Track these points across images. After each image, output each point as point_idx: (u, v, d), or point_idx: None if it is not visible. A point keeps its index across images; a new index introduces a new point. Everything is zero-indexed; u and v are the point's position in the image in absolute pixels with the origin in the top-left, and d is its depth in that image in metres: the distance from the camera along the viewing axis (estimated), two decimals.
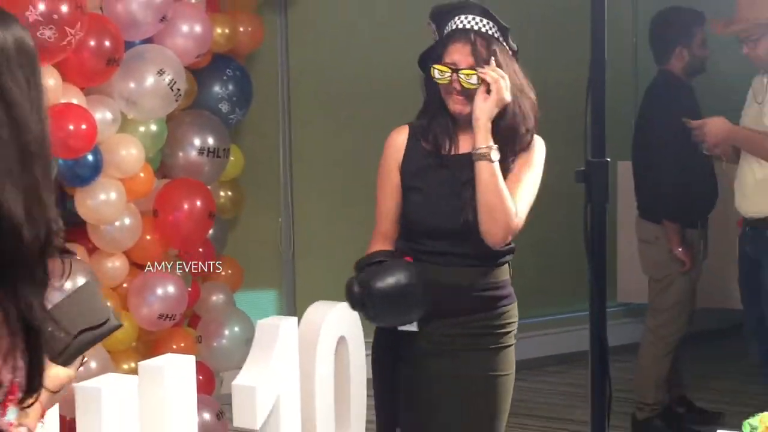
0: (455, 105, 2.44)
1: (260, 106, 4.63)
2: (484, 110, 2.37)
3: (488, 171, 2.36)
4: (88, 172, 3.57)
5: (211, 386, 4.17)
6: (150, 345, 4.04)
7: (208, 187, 4.09)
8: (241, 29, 4.39)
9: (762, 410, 2.69)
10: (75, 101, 3.47)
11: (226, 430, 4.00)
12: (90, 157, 3.53)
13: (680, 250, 4.19)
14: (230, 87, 4.26)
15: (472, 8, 2.45)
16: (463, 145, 2.49)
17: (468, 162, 2.42)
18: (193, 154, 4.04)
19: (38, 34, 3.17)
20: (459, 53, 2.40)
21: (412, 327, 2.46)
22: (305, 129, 4.90)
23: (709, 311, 5.12)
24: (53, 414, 2.62)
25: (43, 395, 1.40)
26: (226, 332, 4.14)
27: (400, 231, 2.54)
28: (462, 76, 2.39)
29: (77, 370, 1.55)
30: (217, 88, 4.23)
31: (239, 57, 4.46)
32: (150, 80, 3.66)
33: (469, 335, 2.51)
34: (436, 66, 2.41)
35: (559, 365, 5.61)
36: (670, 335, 4.38)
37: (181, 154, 4.04)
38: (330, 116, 5.00)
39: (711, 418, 4.51)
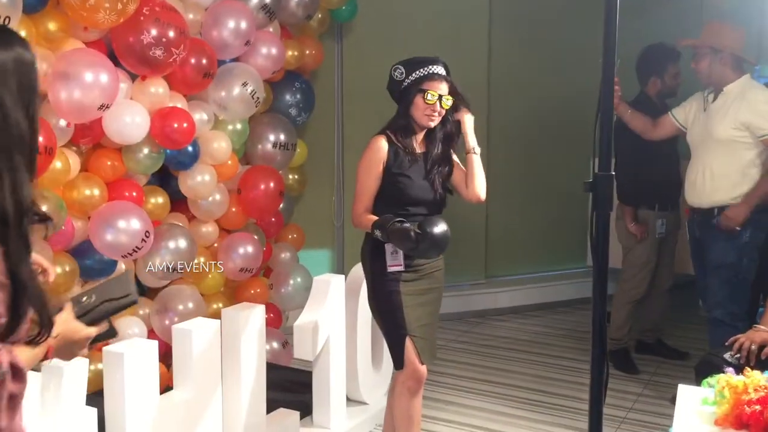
0: (431, 120, 2.71)
1: (320, 111, 4.55)
2: (471, 123, 2.81)
3: (479, 160, 2.81)
4: (189, 160, 3.50)
5: (279, 322, 4.12)
6: (234, 290, 3.99)
7: (280, 172, 4.02)
8: (307, 52, 4.27)
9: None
10: (179, 105, 3.40)
11: (290, 356, 3.90)
12: (190, 148, 3.47)
13: (632, 225, 4.16)
14: (298, 96, 4.19)
15: (439, 61, 2.74)
16: (420, 147, 2.78)
17: (429, 158, 2.76)
18: (269, 147, 3.97)
19: (150, 53, 3.09)
20: (438, 87, 2.69)
21: (401, 267, 2.70)
22: (354, 128, 4.80)
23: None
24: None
25: (58, 340, 1.36)
26: (291, 282, 4.06)
27: (388, 204, 2.70)
28: (444, 100, 2.69)
29: (98, 332, 1.46)
30: (287, 97, 4.16)
31: (305, 73, 4.36)
32: (237, 90, 3.56)
33: (432, 264, 2.81)
34: (429, 91, 2.66)
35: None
36: (630, 289, 4.26)
37: (259, 146, 3.96)
38: (373, 118, 4.78)
39: (678, 355, 4.41)
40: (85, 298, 1.47)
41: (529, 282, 5.60)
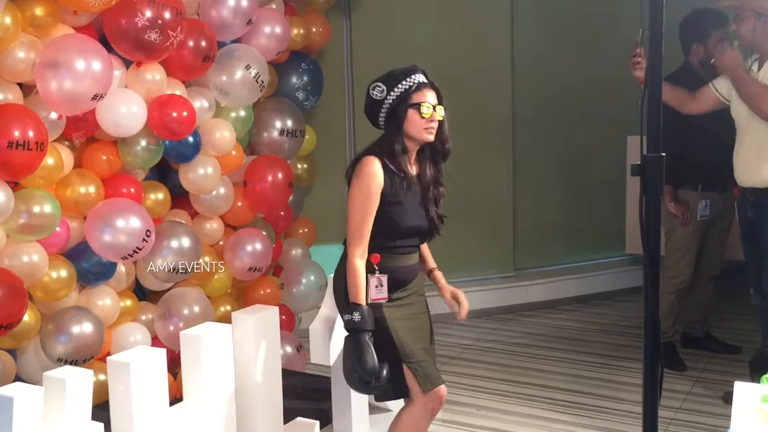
0: (428, 135, 2.63)
1: (330, 94, 4.56)
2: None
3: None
4: (190, 151, 3.51)
5: (292, 324, 4.13)
6: (242, 291, 4.01)
7: (288, 161, 4.02)
8: (314, 30, 4.27)
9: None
10: (178, 92, 3.40)
11: (305, 361, 3.93)
12: (191, 139, 3.47)
13: (671, 205, 4.14)
14: (305, 78, 4.19)
15: (419, 69, 2.67)
16: (414, 168, 2.71)
17: (423, 181, 2.69)
18: (275, 134, 3.97)
19: (145, 37, 3.10)
20: (431, 96, 2.63)
21: (386, 300, 2.64)
22: None
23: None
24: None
25: None
26: (304, 280, 4.07)
27: (375, 237, 2.61)
28: (438, 109, 2.63)
29: None
30: (294, 79, 4.16)
31: (312, 53, 4.36)
32: (239, 74, 3.56)
33: (416, 291, 2.79)
34: (423, 103, 2.59)
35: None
36: (672, 277, 4.22)
37: (265, 134, 3.96)
38: None
39: (729, 349, 4.40)
40: None
41: (563, 273, 5.62)
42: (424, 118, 2.59)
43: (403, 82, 2.62)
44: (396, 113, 2.61)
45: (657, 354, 1.87)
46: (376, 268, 2.62)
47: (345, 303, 2.62)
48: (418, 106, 2.58)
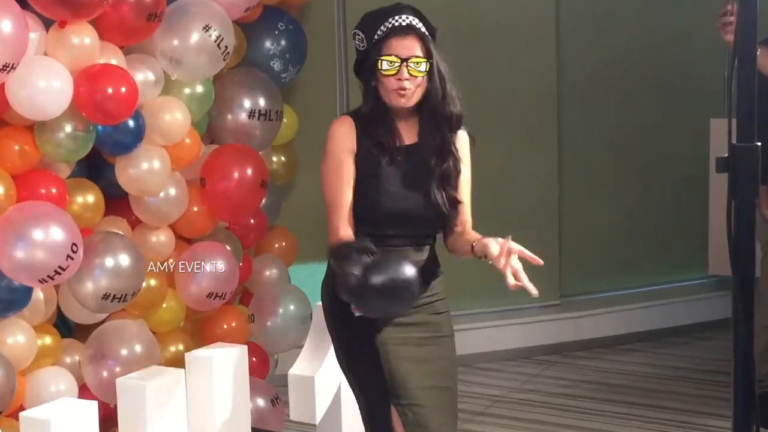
0: (399, 99, 2.68)
1: (315, 63, 4.56)
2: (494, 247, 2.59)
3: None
4: (129, 139, 3.52)
5: (266, 369, 4.14)
6: (199, 325, 4.03)
7: (260, 152, 4.03)
8: None
9: None
10: (114, 61, 3.42)
11: (283, 417, 3.93)
12: (131, 123, 3.48)
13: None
14: (282, 42, 4.20)
15: (404, 9, 2.73)
16: (407, 136, 2.76)
17: (418, 153, 2.73)
18: (243, 116, 3.99)
19: None
20: (402, 46, 2.66)
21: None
22: None
23: None
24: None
25: None
26: (281, 311, 4.08)
27: (357, 222, 2.70)
28: (411, 64, 2.65)
29: None
30: (268, 44, 4.18)
31: (292, 9, 4.38)
32: (195, 37, 3.58)
33: (427, 303, 2.77)
34: (383, 57, 2.65)
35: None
36: None
37: (229, 117, 3.99)
38: None
39: None
40: None
41: (623, 302, 5.62)
42: (386, 76, 2.66)
43: (381, 29, 2.71)
44: (368, 70, 2.72)
45: (750, 408, 1.86)
46: None
47: (330, 316, 2.77)
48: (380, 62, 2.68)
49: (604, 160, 5.60)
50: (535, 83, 5.39)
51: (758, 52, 3.90)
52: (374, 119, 2.72)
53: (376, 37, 2.71)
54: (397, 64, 2.63)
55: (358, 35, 2.77)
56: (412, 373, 2.66)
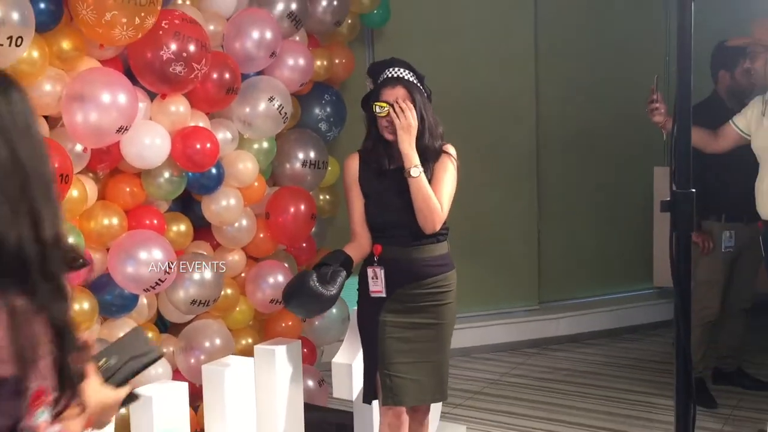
0: (388, 134, 2.76)
1: (353, 125, 4.52)
2: (403, 141, 2.70)
3: (414, 185, 2.69)
4: (212, 183, 3.54)
5: (314, 357, 4.12)
6: (263, 324, 4.02)
7: (310, 192, 4.05)
8: (336, 60, 4.33)
9: None
10: (201, 124, 3.45)
11: (326, 395, 3.92)
12: (213, 170, 3.51)
13: (693, 234, 4.03)
14: (328, 109, 4.24)
15: (397, 62, 2.79)
16: (400, 160, 2.78)
17: (402, 174, 2.77)
18: (298, 165, 4.01)
19: (170, 69, 3.16)
20: (392, 95, 2.73)
21: (382, 294, 2.72)
22: None
23: None
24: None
25: (92, 410, 1.30)
26: (326, 313, 4.00)
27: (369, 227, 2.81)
28: (395, 108, 2.72)
29: (125, 393, 1.43)
30: (317, 111, 4.21)
31: (335, 84, 4.41)
32: (262, 105, 3.62)
33: (429, 295, 2.77)
34: (376, 103, 2.74)
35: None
36: (699, 309, 4.13)
37: (288, 165, 4.00)
38: None
39: (762, 385, 4.34)
40: (104, 360, 1.44)
41: (590, 306, 5.58)
42: (380, 117, 2.74)
43: (380, 79, 2.78)
44: (367, 108, 2.82)
45: (689, 391, 1.85)
46: (375, 259, 2.71)
47: (360, 275, 2.83)
48: (375, 106, 2.75)
49: (574, 196, 5.58)
50: (519, 142, 5.37)
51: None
52: (372, 151, 2.81)
53: (377, 84, 2.79)
54: (386, 108, 2.69)
55: (368, 79, 2.86)
56: (397, 350, 2.69)
